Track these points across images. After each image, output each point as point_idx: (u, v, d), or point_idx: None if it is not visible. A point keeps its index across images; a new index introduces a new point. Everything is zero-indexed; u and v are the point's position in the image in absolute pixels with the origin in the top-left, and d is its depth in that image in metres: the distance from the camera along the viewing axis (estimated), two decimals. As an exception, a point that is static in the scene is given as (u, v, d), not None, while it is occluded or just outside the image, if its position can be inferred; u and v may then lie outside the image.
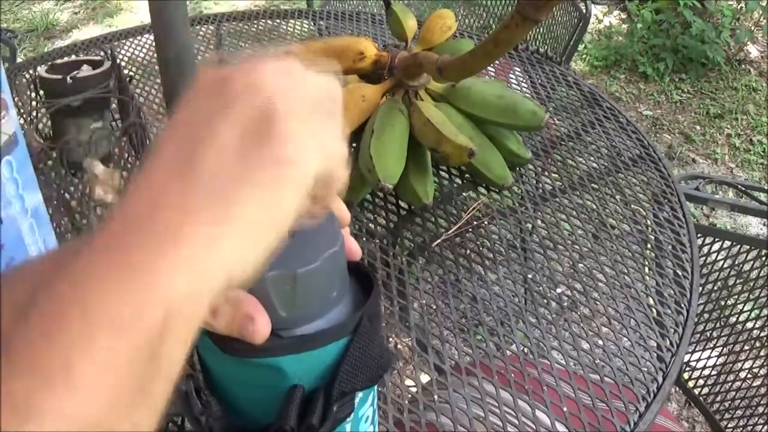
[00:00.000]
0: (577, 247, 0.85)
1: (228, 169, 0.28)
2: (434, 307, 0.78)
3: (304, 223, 0.32)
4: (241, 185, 0.28)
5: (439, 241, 0.87)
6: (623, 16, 3.40)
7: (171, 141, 0.29)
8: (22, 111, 1.10)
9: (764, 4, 2.95)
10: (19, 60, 2.37)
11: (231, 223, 0.27)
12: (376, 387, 0.41)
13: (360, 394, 0.38)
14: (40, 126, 1.08)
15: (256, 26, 1.51)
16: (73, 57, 1.18)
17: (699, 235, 1.12)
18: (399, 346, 0.79)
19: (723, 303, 1.18)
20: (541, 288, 0.81)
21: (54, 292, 0.25)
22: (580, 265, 0.82)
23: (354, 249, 0.39)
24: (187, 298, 0.26)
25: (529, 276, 0.83)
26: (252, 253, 0.28)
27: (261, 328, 0.33)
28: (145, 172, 0.28)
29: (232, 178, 0.28)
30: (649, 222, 0.92)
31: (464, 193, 0.98)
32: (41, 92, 1.04)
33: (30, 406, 0.22)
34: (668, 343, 0.73)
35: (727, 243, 1.13)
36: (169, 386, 0.27)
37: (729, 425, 1.20)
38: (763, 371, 1.14)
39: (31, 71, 1.27)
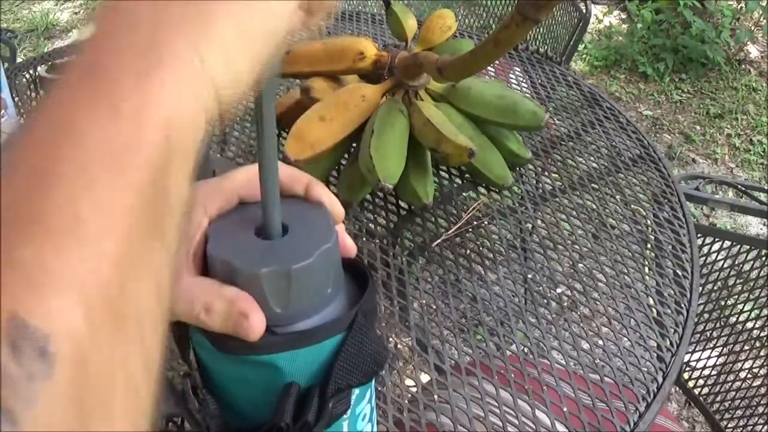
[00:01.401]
0: (577, 247, 0.85)
1: None
2: (434, 307, 0.78)
3: (302, 32, 0.30)
4: None
5: (439, 241, 0.87)
6: (623, 16, 3.40)
7: None
8: (22, 111, 1.10)
9: (764, 4, 2.95)
10: (19, 60, 2.37)
11: (215, 32, 0.25)
12: (373, 384, 0.41)
13: (357, 391, 0.38)
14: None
15: (256, 26, 1.51)
16: (73, 57, 1.17)
17: (699, 235, 1.12)
18: (399, 346, 0.79)
19: (723, 303, 1.18)
20: (541, 288, 0.81)
21: (36, 133, 0.22)
22: (580, 265, 0.82)
23: (349, 245, 0.39)
24: (182, 113, 0.24)
25: (529, 276, 0.83)
26: (243, 62, 0.26)
27: (255, 325, 0.33)
28: (120, 6, 0.25)
29: None
30: (649, 222, 0.92)
31: (464, 193, 0.98)
32: (41, 92, 1.04)
33: (51, 276, 0.20)
34: (668, 343, 0.73)
35: (727, 243, 1.13)
36: (179, 224, 0.24)
37: (729, 425, 1.20)
38: (763, 371, 1.14)
39: (31, 71, 1.27)
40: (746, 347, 1.16)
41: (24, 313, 0.19)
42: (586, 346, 0.73)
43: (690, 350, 1.23)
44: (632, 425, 0.66)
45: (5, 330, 0.18)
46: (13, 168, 0.21)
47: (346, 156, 0.96)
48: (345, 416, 0.37)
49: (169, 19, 0.24)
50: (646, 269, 0.85)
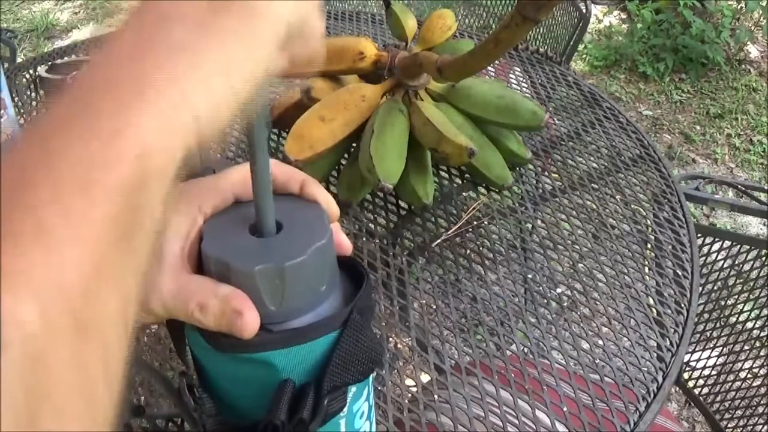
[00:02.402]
0: (577, 247, 0.85)
1: (194, 20, 0.27)
2: (434, 307, 0.78)
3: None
4: (208, 32, 0.27)
5: (439, 241, 0.87)
6: (623, 16, 3.40)
7: (133, 17, 0.27)
8: (22, 111, 1.10)
9: (764, 4, 2.95)
10: (19, 60, 2.37)
11: (198, 68, 0.26)
12: (371, 383, 0.41)
13: (353, 389, 0.38)
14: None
15: (256, 26, 1.51)
16: (73, 57, 1.17)
17: (699, 235, 1.12)
18: (399, 346, 0.79)
19: (723, 303, 1.18)
20: (541, 288, 0.81)
21: (13, 154, 0.23)
22: (580, 265, 0.82)
23: (344, 243, 0.39)
24: (159, 142, 0.24)
25: (529, 276, 0.83)
26: (223, 99, 0.27)
27: (250, 323, 0.33)
28: (106, 43, 0.27)
29: (198, 27, 0.27)
30: (649, 222, 0.92)
31: (464, 193, 0.98)
32: (41, 92, 1.04)
33: (9, 275, 0.20)
34: (668, 343, 0.73)
35: (727, 243, 1.13)
36: (150, 239, 0.25)
37: (729, 425, 1.20)
38: (763, 371, 1.14)
39: (31, 71, 1.27)
40: (746, 347, 1.16)
41: None
42: (586, 346, 0.73)
43: (690, 350, 1.23)
44: (632, 425, 0.66)
45: None
46: None
47: (346, 156, 0.96)
48: (342, 414, 0.37)
49: (154, 54, 0.25)
50: (646, 269, 0.85)
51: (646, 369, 0.70)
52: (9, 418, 0.20)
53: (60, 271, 0.21)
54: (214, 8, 0.27)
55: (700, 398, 1.25)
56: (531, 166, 1.00)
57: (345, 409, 0.37)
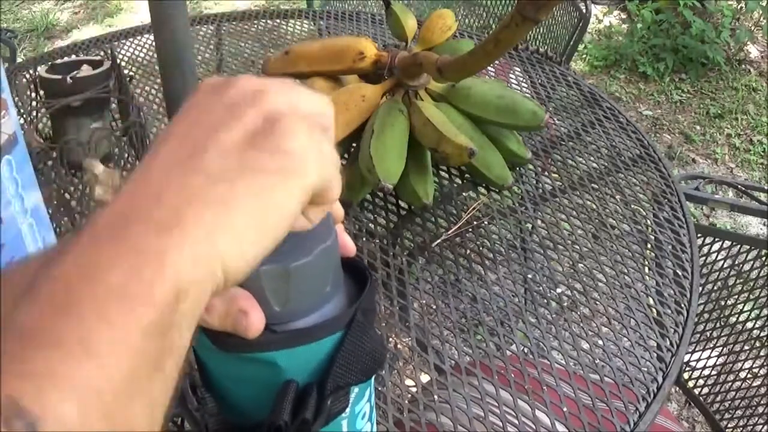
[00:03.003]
0: (577, 247, 0.85)
1: (234, 162, 0.29)
2: (434, 307, 0.78)
3: (297, 225, 0.32)
4: (246, 176, 0.28)
5: (439, 241, 0.87)
6: (623, 16, 3.40)
7: (173, 137, 0.29)
8: (22, 111, 1.10)
9: (764, 4, 2.95)
10: (19, 60, 2.37)
11: (234, 210, 0.28)
12: (373, 383, 0.41)
13: (356, 390, 0.38)
14: (40, 126, 1.08)
15: (256, 26, 1.51)
16: (73, 57, 1.18)
17: (699, 235, 1.12)
18: (399, 346, 0.79)
19: (723, 303, 1.18)
20: (541, 288, 0.81)
21: (57, 272, 0.25)
22: (580, 265, 0.82)
23: (348, 245, 0.39)
24: (192, 276, 0.26)
25: (529, 276, 0.83)
26: (249, 245, 0.29)
27: (254, 323, 0.33)
28: (145, 164, 0.29)
29: (237, 170, 0.28)
30: (649, 222, 0.92)
31: (464, 193, 0.98)
32: (41, 92, 1.04)
33: (54, 377, 0.23)
34: (668, 343, 0.73)
35: (727, 243, 1.13)
36: (179, 366, 0.27)
37: (729, 425, 1.20)
38: (763, 371, 1.14)
39: (31, 71, 1.27)
40: (746, 347, 1.16)
41: (21, 397, 0.22)
42: (586, 346, 0.73)
43: (690, 350, 1.23)
44: (632, 425, 0.66)
45: (3, 406, 0.21)
46: (36, 295, 0.25)
47: (346, 156, 0.96)
48: (344, 415, 0.37)
49: (191, 203, 0.27)
50: (646, 269, 0.85)
51: (646, 369, 0.70)
52: None
53: (98, 382, 0.23)
54: (252, 148, 0.29)
55: (700, 398, 1.25)
56: (531, 166, 1.00)
57: (347, 410, 0.37)
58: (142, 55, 1.39)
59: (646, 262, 0.86)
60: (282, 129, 0.30)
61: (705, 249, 1.15)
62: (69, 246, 0.26)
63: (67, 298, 0.24)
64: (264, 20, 1.52)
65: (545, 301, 0.79)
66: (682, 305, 0.78)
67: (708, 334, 1.21)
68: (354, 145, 0.92)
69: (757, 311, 1.14)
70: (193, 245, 0.27)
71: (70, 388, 0.23)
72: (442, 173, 1.00)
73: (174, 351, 0.27)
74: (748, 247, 1.11)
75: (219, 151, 0.29)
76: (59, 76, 0.99)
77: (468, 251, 0.86)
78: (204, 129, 0.29)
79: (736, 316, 1.17)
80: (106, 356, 0.24)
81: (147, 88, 1.26)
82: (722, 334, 1.19)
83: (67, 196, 0.97)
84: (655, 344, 0.73)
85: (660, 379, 0.69)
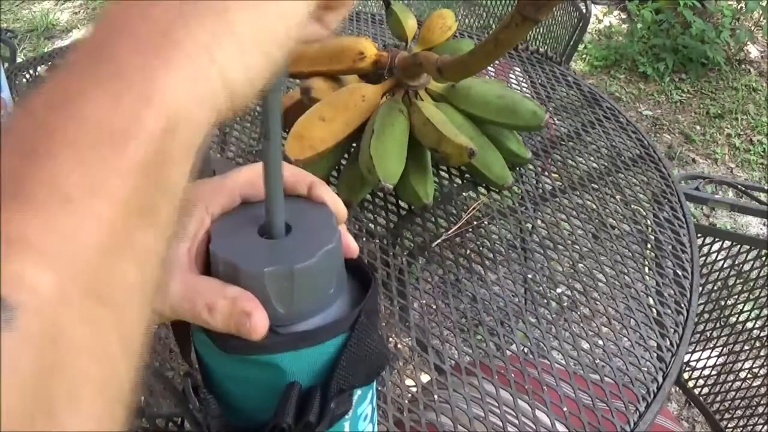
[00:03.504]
0: (577, 247, 0.85)
1: None
2: (434, 307, 0.78)
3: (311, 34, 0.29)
4: None
5: (439, 241, 0.87)
6: (623, 16, 3.40)
7: None
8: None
9: (764, 4, 2.95)
10: (19, 60, 2.37)
11: (230, 31, 0.25)
12: (375, 385, 0.41)
13: (358, 392, 0.38)
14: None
15: (256, 26, 1.51)
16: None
17: (699, 235, 1.12)
18: (399, 346, 0.79)
19: (723, 303, 1.18)
20: (541, 288, 0.81)
21: (32, 111, 0.22)
22: (580, 265, 0.82)
23: (351, 246, 0.39)
24: (186, 111, 0.23)
25: (529, 276, 0.83)
26: (256, 62, 0.26)
27: (258, 325, 0.33)
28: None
29: None
30: (649, 222, 0.92)
31: (464, 193, 0.98)
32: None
33: (27, 239, 0.20)
34: (668, 343, 0.73)
35: (727, 243, 1.13)
36: (175, 206, 0.24)
37: (729, 425, 1.20)
38: (763, 371, 1.14)
39: (31, 71, 1.27)
40: (746, 347, 1.16)
41: None
42: (586, 346, 0.73)
43: (690, 350, 1.24)
44: (632, 425, 0.66)
45: None
46: (5, 143, 0.21)
47: (346, 156, 0.96)
48: (347, 417, 0.37)
49: (183, 14, 0.24)
50: (646, 269, 0.85)
51: (646, 369, 0.70)
52: (13, 396, 0.18)
53: (78, 239, 0.20)
54: None
55: (700, 398, 1.25)
56: (531, 166, 1.00)
57: (350, 412, 0.37)
58: (142, 55, 1.39)
59: (646, 262, 0.86)
60: None
61: (705, 249, 1.15)
62: (49, 82, 0.22)
63: (37, 138, 0.21)
64: (264, 20, 1.52)
65: (545, 301, 0.79)
66: (682, 305, 0.78)
67: (708, 334, 1.21)
68: (354, 145, 0.92)
69: (757, 311, 1.14)
70: (187, 61, 0.23)
71: (44, 253, 0.20)
72: (442, 173, 1.00)
73: (167, 194, 0.23)
74: (748, 247, 1.11)
75: None
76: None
77: (468, 251, 0.86)
78: None
79: (736, 316, 1.17)
80: (86, 216, 0.21)
81: (147, 88, 1.26)
82: (722, 334, 1.19)
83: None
84: (655, 344, 0.73)
85: (660, 379, 0.69)
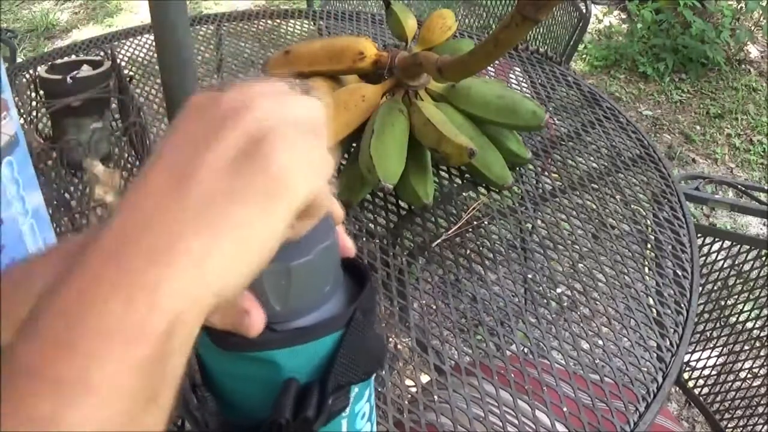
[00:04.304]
0: (577, 247, 0.85)
1: (220, 187, 0.29)
2: (434, 307, 0.78)
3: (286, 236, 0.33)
4: (233, 202, 0.29)
5: (439, 241, 0.87)
6: (623, 16, 3.40)
7: (162, 164, 0.30)
8: (22, 111, 1.10)
9: (764, 4, 2.96)
10: (19, 60, 2.37)
11: (222, 238, 0.28)
12: (372, 383, 0.41)
13: (356, 389, 0.38)
14: (40, 126, 1.08)
15: (256, 26, 1.51)
16: (73, 57, 1.18)
17: (699, 235, 1.12)
18: (399, 346, 0.79)
19: (723, 303, 1.18)
20: (541, 288, 0.81)
21: (56, 307, 0.26)
22: (580, 265, 0.82)
23: (348, 245, 0.39)
24: (185, 305, 0.27)
25: (529, 276, 0.83)
26: (242, 267, 0.29)
27: (255, 322, 0.33)
28: (137, 193, 0.29)
29: (223, 196, 0.29)
30: (649, 222, 0.92)
31: (464, 193, 0.98)
32: (41, 92, 1.04)
33: (58, 422, 0.24)
34: (668, 343, 0.73)
35: (727, 243, 1.13)
36: (174, 389, 0.28)
37: (729, 425, 1.20)
38: (763, 371, 1.15)
39: (31, 71, 1.27)
40: (746, 347, 1.16)
41: None
42: (586, 346, 0.73)
43: (690, 350, 1.24)
44: (632, 425, 0.66)
45: None
46: (36, 333, 0.26)
47: (346, 156, 0.96)
48: (344, 414, 0.37)
49: (180, 233, 0.28)
50: (646, 269, 0.85)
51: (646, 369, 0.70)
52: None
53: (99, 422, 0.25)
54: (239, 178, 0.29)
55: (700, 398, 1.25)
56: (531, 166, 1.00)
57: (347, 410, 0.37)
58: (142, 55, 1.39)
59: (646, 262, 0.86)
60: (266, 149, 0.29)
61: (705, 249, 1.15)
62: (66, 276, 0.27)
63: (68, 335, 0.25)
64: (264, 20, 1.52)
65: (545, 301, 0.79)
66: (682, 305, 0.78)
67: (708, 334, 1.21)
68: (354, 145, 0.92)
69: (757, 311, 1.14)
70: (184, 275, 0.27)
71: (62, 425, 0.24)
72: (442, 173, 1.00)
73: (168, 381, 0.27)
74: (748, 247, 1.11)
75: (205, 178, 0.29)
76: (59, 76, 0.99)
77: (468, 251, 0.86)
78: (189, 153, 0.30)
79: (736, 316, 1.17)
80: (104, 396, 0.25)
81: (147, 88, 1.26)
82: (722, 334, 1.19)
83: (67, 196, 0.97)
84: (655, 344, 0.73)
85: (660, 379, 0.69)
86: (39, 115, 1.10)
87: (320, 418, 0.35)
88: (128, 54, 1.39)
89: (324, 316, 0.36)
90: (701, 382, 1.25)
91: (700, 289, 1.16)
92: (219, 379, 0.37)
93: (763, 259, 1.09)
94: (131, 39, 1.45)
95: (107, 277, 0.27)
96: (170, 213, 0.28)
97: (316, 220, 0.34)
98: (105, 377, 0.25)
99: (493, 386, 0.68)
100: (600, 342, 0.73)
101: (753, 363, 1.16)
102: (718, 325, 1.20)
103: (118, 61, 1.16)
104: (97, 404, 0.25)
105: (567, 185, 0.97)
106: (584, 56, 3.11)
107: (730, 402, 1.20)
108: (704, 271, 1.16)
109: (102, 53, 1.25)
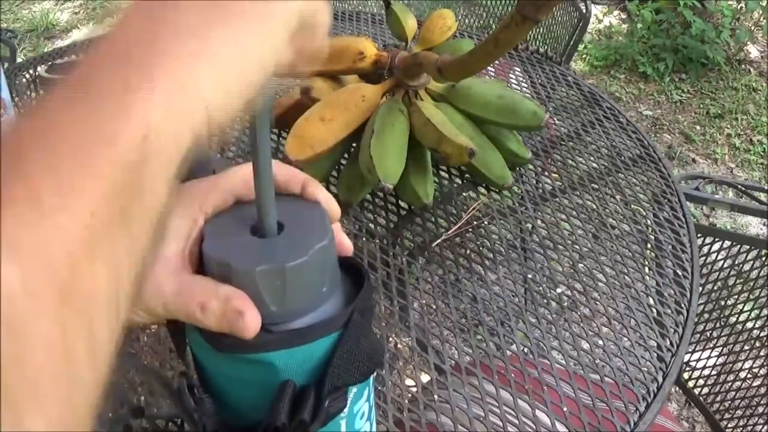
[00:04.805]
0: (577, 247, 0.85)
1: (206, 3, 0.27)
2: (434, 307, 0.78)
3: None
4: (221, 17, 0.27)
5: (439, 241, 0.87)
6: (623, 16, 3.40)
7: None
8: (22, 111, 1.10)
9: (764, 4, 2.95)
10: (19, 60, 2.37)
11: (209, 53, 0.26)
12: (372, 383, 0.41)
13: (354, 390, 0.38)
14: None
15: (256, 26, 1.51)
16: (73, 57, 1.17)
17: (699, 235, 1.12)
18: (399, 346, 0.79)
19: (723, 303, 1.18)
20: (541, 288, 0.81)
21: (17, 128, 0.23)
22: (580, 265, 0.82)
23: (345, 244, 0.39)
24: (165, 124, 0.24)
25: (529, 276, 0.83)
26: (233, 86, 0.27)
27: (251, 323, 0.33)
28: (114, 26, 0.26)
29: (210, 12, 0.27)
30: (649, 222, 0.92)
31: (464, 193, 0.98)
32: (41, 92, 1.04)
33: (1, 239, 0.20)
34: (668, 343, 0.73)
35: (727, 243, 1.13)
36: (151, 223, 0.25)
37: (729, 425, 1.20)
38: (763, 371, 1.14)
39: (31, 71, 1.27)
40: (746, 347, 1.16)
41: None
42: (586, 346, 0.73)
43: (690, 350, 1.23)
44: (632, 425, 0.66)
45: None
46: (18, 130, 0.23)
47: (346, 156, 0.96)
48: (342, 415, 0.37)
49: (167, 38, 0.25)
50: (646, 269, 0.85)
51: (646, 369, 0.70)
52: None
53: (48, 239, 0.21)
54: (230, 5, 0.27)
55: (700, 398, 1.25)
56: (531, 166, 1.00)
57: (346, 410, 0.37)
58: (142, 55, 1.39)
59: (646, 262, 0.86)
60: None
61: (705, 249, 1.15)
62: (35, 104, 0.24)
63: (20, 154, 0.22)
64: (264, 20, 1.52)
65: (545, 301, 0.79)
66: (682, 305, 0.78)
67: (708, 334, 1.21)
68: (354, 145, 0.92)
69: (757, 311, 1.14)
70: (165, 92, 0.24)
71: (12, 249, 0.20)
72: (442, 173, 1.00)
73: (143, 206, 0.24)
74: (748, 247, 1.11)
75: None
76: (59, 76, 0.99)
77: (468, 251, 0.86)
78: None
79: (736, 316, 1.17)
80: (58, 217, 0.21)
81: (147, 88, 1.26)
82: (722, 334, 1.19)
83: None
84: (655, 344, 0.73)
85: (660, 379, 0.69)
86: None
87: (316, 421, 0.34)
88: (128, 54, 1.39)
89: (321, 318, 0.36)
90: (701, 382, 1.25)
91: (700, 289, 1.16)
92: (215, 381, 0.37)
93: (763, 259, 1.09)
94: (131, 39, 1.44)
95: (74, 94, 0.24)
96: (150, 39, 0.25)
97: (316, 42, 0.33)
98: (55, 191, 0.21)
99: (493, 386, 0.68)
100: (600, 342, 0.73)
101: (753, 363, 1.16)
102: (718, 325, 1.20)
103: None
104: (43, 218, 0.21)
105: (567, 185, 0.96)
106: (584, 56, 3.11)
107: (730, 402, 1.20)
108: (704, 271, 1.16)
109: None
